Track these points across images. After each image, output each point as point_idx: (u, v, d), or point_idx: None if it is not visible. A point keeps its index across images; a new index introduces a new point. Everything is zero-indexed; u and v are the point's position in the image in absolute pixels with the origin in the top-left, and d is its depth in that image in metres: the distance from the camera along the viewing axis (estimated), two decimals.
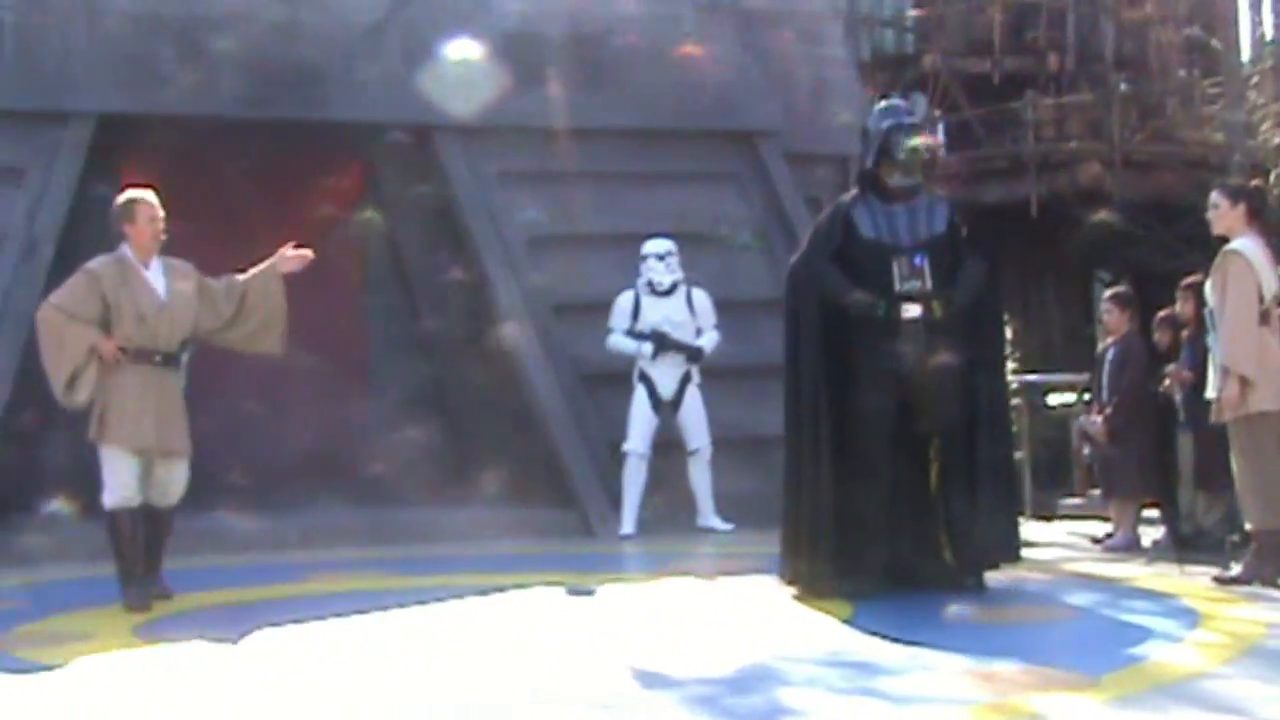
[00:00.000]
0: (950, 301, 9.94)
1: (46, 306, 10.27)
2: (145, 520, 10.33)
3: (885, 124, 10.34)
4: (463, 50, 16.21)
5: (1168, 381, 12.33)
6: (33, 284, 14.50)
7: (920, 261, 9.95)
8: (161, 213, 10.35)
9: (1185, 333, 12.45)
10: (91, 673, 8.07)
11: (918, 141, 10.37)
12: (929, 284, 9.94)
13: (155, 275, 10.32)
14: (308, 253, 10.62)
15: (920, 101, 26.09)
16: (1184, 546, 12.25)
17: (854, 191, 10.42)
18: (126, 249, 10.30)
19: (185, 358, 10.50)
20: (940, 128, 26.33)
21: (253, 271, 10.60)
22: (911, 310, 9.89)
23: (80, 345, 10.00)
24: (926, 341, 9.92)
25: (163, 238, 10.37)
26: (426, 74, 16.29)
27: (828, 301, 9.97)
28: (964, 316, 10.04)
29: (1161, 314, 13.21)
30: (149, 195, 10.39)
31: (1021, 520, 11.12)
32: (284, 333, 10.75)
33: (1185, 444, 12.41)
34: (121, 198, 10.42)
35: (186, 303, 10.36)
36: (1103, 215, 23.23)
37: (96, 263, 10.29)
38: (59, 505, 13.38)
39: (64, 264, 14.51)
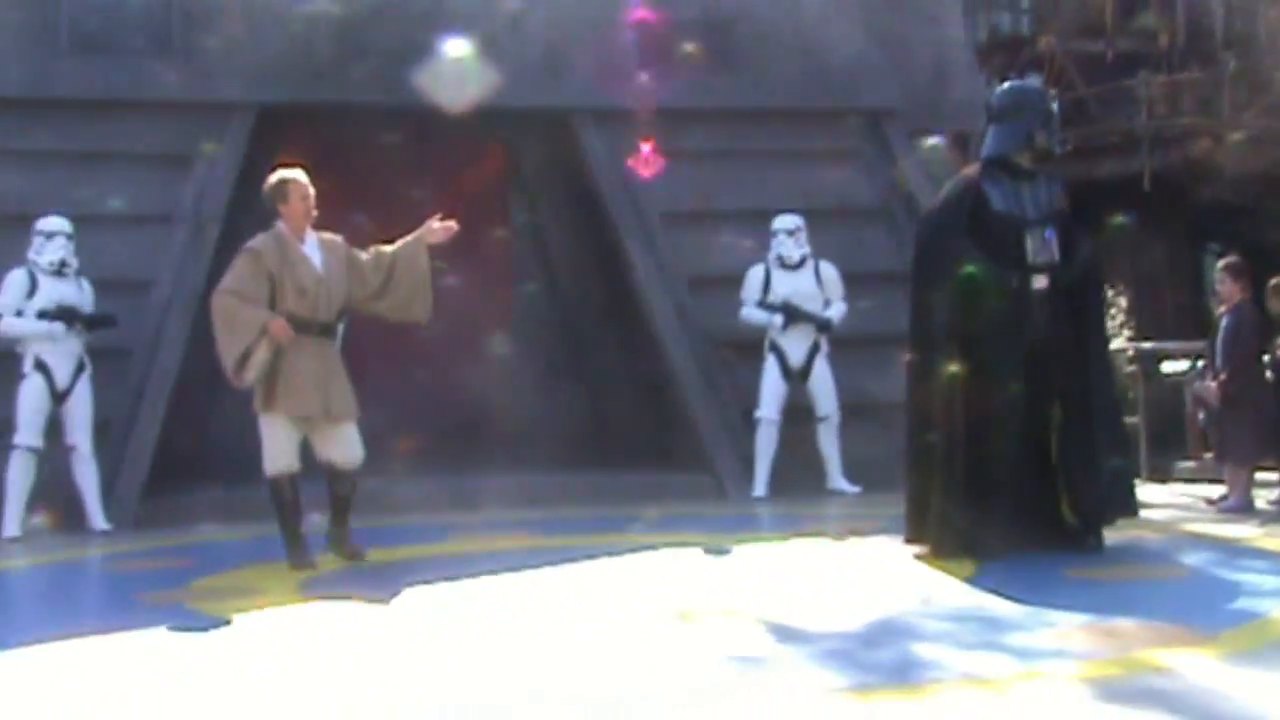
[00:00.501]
0: (1071, 273, 9.94)
1: (220, 293, 10.24)
2: (330, 482, 10.46)
3: (1029, 113, 10.29)
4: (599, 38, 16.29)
5: None
6: (200, 262, 14.76)
7: (1050, 236, 9.94)
8: (312, 190, 10.42)
9: None
10: (257, 625, 8.20)
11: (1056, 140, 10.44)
12: (1056, 256, 9.94)
13: (311, 249, 10.40)
14: (452, 224, 10.62)
15: (1036, 81, 25.87)
16: None
17: (977, 165, 10.38)
18: (282, 225, 10.38)
19: (340, 327, 10.60)
20: (1056, 106, 26.12)
21: (399, 243, 10.66)
22: (1040, 281, 9.89)
23: (253, 326, 10.04)
24: (1051, 310, 9.93)
25: (314, 213, 10.46)
26: (565, 61, 16.38)
27: (959, 269, 9.94)
28: (1074, 287, 10.06)
29: (1274, 282, 13.08)
30: (299, 174, 10.47)
31: (1137, 479, 10.97)
32: (429, 302, 10.76)
33: None
34: (273, 178, 10.50)
35: (341, 275, 10.44)
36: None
37: (257, 241, 10.36)
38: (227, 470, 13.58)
39: (228, 244, 14.77)
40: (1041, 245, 9.91)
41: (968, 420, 9.77)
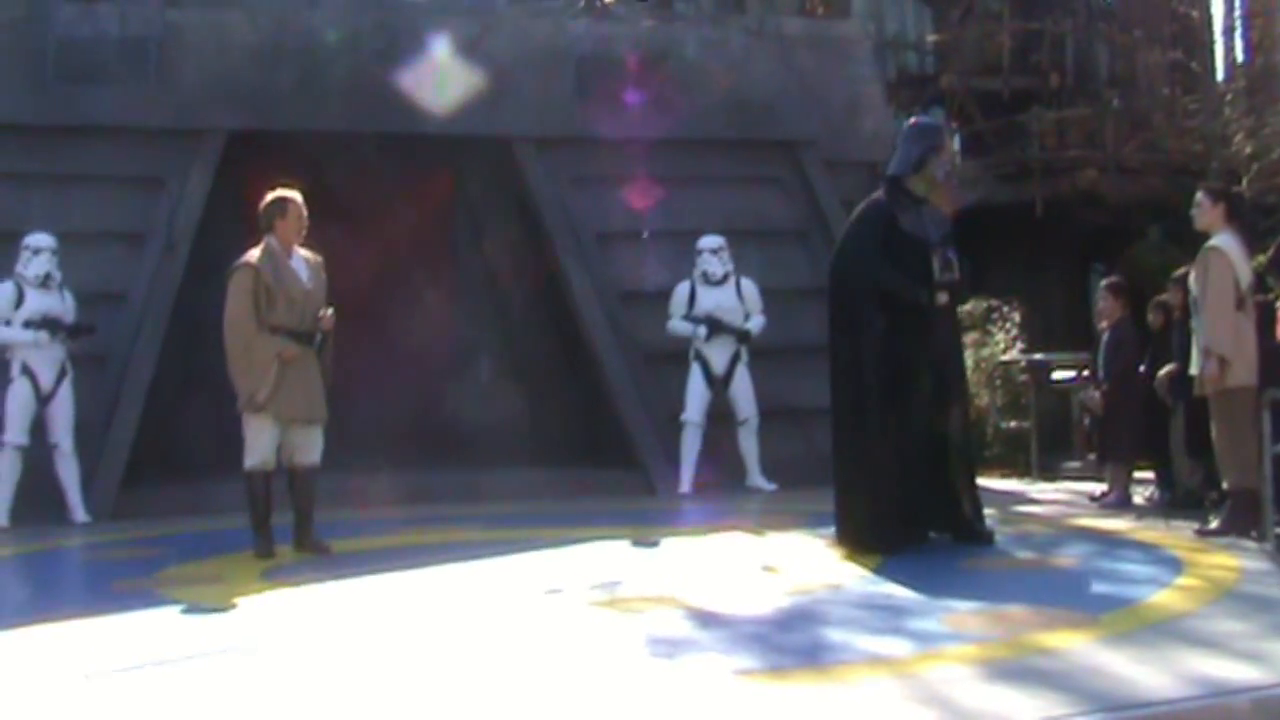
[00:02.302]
0: (966, 292, 10.00)
1: (233, 324, 10.14)
2: (293, 479, 10.40)
3: (922, 145, 10.32)
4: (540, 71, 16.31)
5: (1162, 373, 12.23)
6: (172, 277, 14.72)
7: (952, 255, 9.97)
8: (305, 210, 10.42)
9: (1174, 315, 12.51)
10: (222, 609, 8.18)
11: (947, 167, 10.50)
12: (958, 275, 9.97)
13: (298, 264, 10.38)
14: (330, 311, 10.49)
15: (939, 115, 25.99)
16: (1175, 505, 12.24)
17: (880, 192, 10.38)
18: (273, 240, 10.33)
19: (319, 337, 10.54)
20: (956, 138, 26.27)
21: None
22: (942, 297, 9.93)
23: (267, 357, 10.04)
24: (948, 325, 10.00)
25: (305, 231, 10.44)
26: (508, 93, 16.36)
27: (876, 287, 9.98)
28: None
29: (1155, 299, 13.22)
30: (296, 195, 10.44)
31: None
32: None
33: (1176, 419, 12.36)
34: (272, 195, 10.44)
35: (321, 288, 10.44)
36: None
37: (251, 256, 10.28)
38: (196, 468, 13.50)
39: (198, 260, 14.72)
40: (945, 264, 9.95)
41: (883, 424, 9.81)
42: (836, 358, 10.11)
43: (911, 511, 9.77)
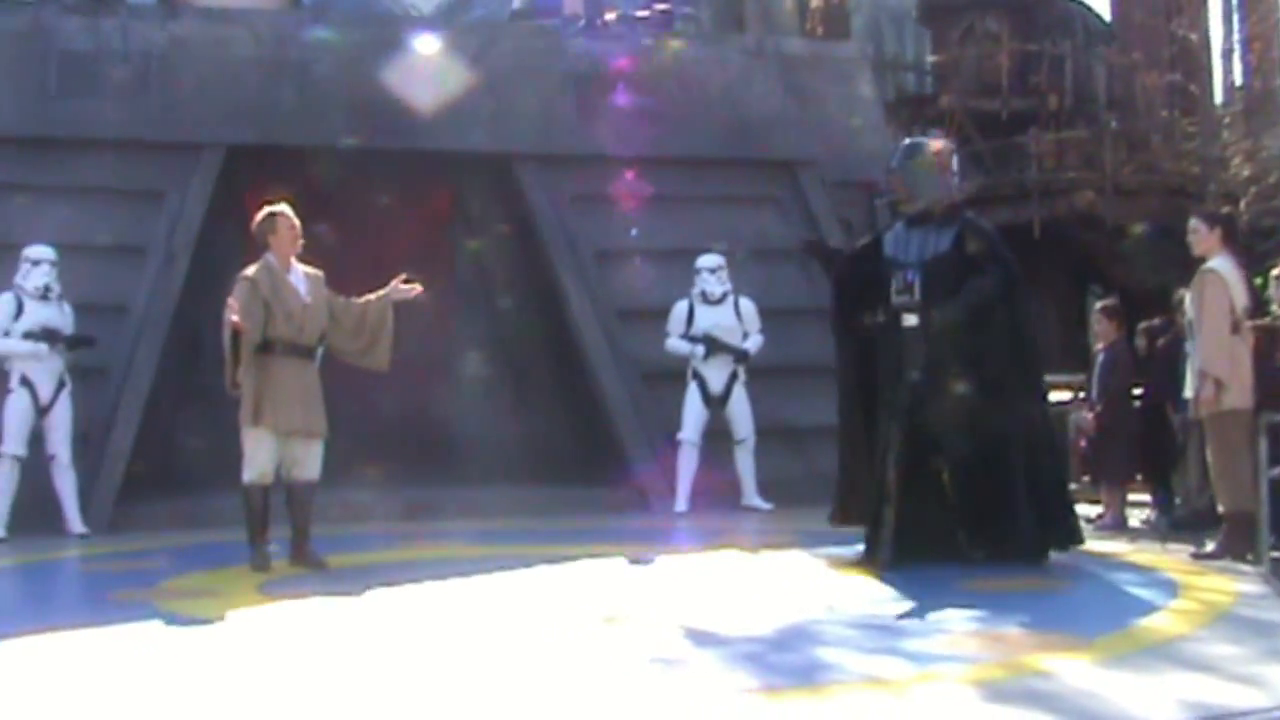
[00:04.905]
0: (944, 315, 9.89)
1: (227, 319, 10.07)
2: (290, 493, 10.41)
3: (890, 163, 10.50)
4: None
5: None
6: (171, 289, 14.73)
7: (911, 277, 9.95)
8: (298, 223, 10.43)
9: (1160, 341, 12.63)
10: (218, 621, 8.18)
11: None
12: (917, 297, 9.93)
13: (297, 278, 10.39)
14: (418, 287, 10.66)
15: (937, 136, 26.07)
16: (1179, 527, 12.21)
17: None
18: (271, 256, 10.35)
19: (319, 351, 10.57)
20: (955, 158, 26.29)
21: (369, 296, 10.65)
22: (910, 320, 9.93)
23: (226, 334, 10.01)
24: (927, 348, 9.93)
25: (300, 245, 10.46)
26: (509, 110, 16.40)
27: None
28: (969, 327, 9.93)
29: (1142, 325, 13.26)
30: (286, 209, 10.46)
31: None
32: (389, 353, 10.77)
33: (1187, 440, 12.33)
34: (263, 212, 10.45)
35: (321, 303, 10.45)
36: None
37: (251, 270, 10.30)
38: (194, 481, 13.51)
39: (197, 273, 14.73)
40: (902, 286, 9.97)
41: (868, 443, 9.90)
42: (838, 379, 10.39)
43: (906, 531, 9.80)
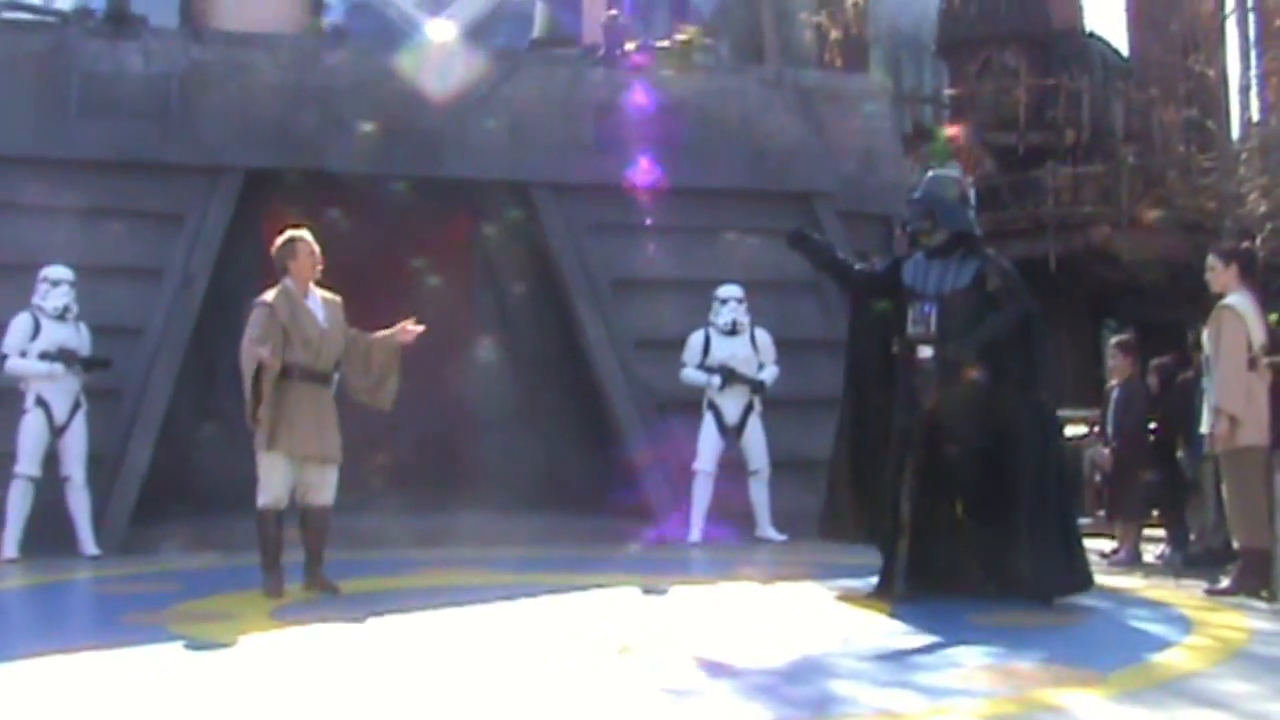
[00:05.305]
0: (959, 348, 9.85)
1: (247, 350, 10.08)
2: (304, 518, 10.41)
3: (913, 196, 10.52)
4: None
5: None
6: (188, 312, 14.75)
7: (928, 310, 9.93)
8: (317, 248, 10.44)
9: (1180, 377, 12.63)
10: (231, 646, 8.19)
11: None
12: (932, 329, 9.92)
13: (315, 304, 10.40)
14: (421, 328, 10.64)
15: (955, 169, 26.10)
16: (1193, 563, 12.18)
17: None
18: (289, 281, 10.36)
19: (336, 377, 10.57)
20: (972, 192, 26.33)
21: (377, 334, 10.66)
22: (925, 351, 9.91)
23: (250, 365, 9.99)
24: (942, 380, 9.91)
25: (319, 270, 10.47)
26: (527, 139, 16.43)
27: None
28: (989, 360, 9.86)
29: (1154, 363, 13.27)
30: (306, 234, 10.47)
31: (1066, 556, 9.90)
32: (394, 393, 10.77)
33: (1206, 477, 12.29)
34: (282, 237, 10.46)
35: (339, 329, 10.46)
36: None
37: (269, 296, 10.31)
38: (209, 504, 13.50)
39: (214, 296, 14.76)
40: (919, 318, 9.96)
41: (878, 475, 9.92)
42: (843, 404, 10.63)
43: (921, 564, 9.79)
